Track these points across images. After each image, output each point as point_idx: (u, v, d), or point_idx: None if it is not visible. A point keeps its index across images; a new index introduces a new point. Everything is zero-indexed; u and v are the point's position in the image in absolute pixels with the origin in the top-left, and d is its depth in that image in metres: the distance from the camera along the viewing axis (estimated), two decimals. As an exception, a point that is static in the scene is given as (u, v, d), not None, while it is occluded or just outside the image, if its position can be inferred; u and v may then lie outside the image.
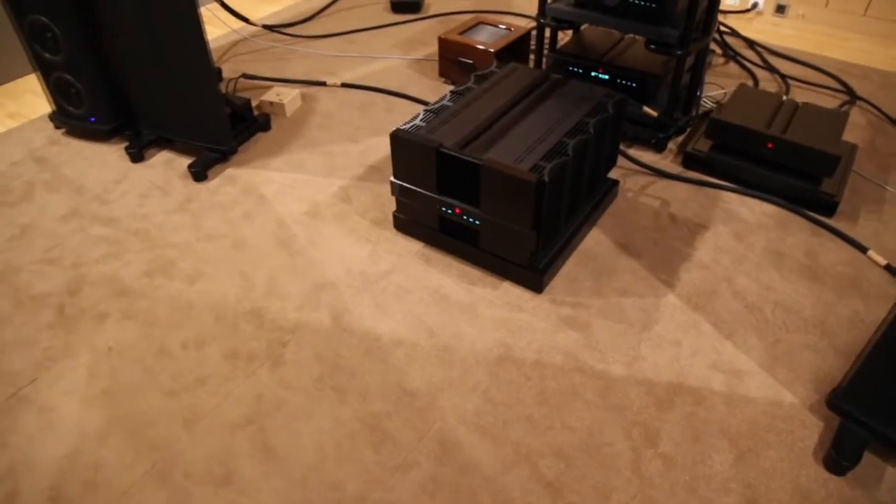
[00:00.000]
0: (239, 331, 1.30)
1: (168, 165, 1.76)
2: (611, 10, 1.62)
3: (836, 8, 2.49)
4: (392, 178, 1.40)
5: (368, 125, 1.91)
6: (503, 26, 2.09)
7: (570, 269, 1.43)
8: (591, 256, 1.46)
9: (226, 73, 2.16)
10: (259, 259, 1.46)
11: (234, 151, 1.77)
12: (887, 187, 1.69)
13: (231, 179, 1.70)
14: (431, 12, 2.59)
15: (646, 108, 1.68)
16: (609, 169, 1.55)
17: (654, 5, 1.56)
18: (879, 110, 1.99)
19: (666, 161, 1.76)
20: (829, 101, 2.03)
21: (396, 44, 2.37)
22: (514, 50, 2.00)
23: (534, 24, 2.47)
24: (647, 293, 1.38)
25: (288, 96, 1.95)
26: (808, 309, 1.35)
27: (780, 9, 2.59)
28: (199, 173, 1.69)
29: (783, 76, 2.14)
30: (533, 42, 2.20)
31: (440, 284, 1.39)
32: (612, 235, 1.52)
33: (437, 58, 2.24)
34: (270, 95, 1.96)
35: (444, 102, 1.43)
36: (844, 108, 1.98)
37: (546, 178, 1.19)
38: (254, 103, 1.98)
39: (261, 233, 1.53)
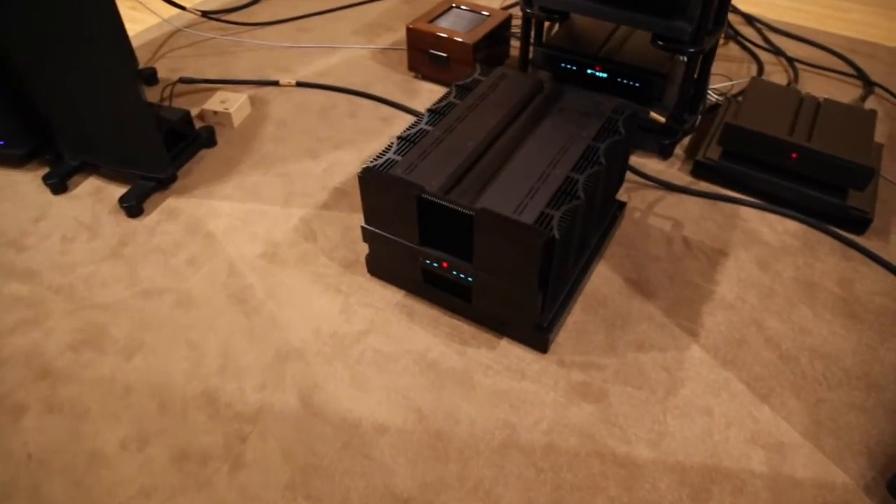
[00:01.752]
0: (189, 422, 1.08)
1: (96, 197, 1.49)
2: (614, 2, 1.39)
3: (837, -26, 2.28)
4: (363, 224, 1.17)
5: (331, 135, 1.66)
6: (478, 10, 1.83)
7: (578, 319, 1.23)
8: (601, 300, 1.26)
9: (161, 73, 1.86)
10: (209, 320, 1.23)
11: (173, 179, 1.51)
12: (916, 192, 1.52)
13: (172, 213, 1.45)
14: (394, -11, 2.31)
15: (653, 114, 1.46)
16: (617, 190, 1.34)
17: (660, -5, 1.33)
18: (896, 97, 1.81)
19: (673, 169, 1.55)
20: (842, 88, 1.83)
21: (357, 29, 2.09)
22: (494, 38, 1.75)
23: (511, 5, 2.21)
24: (668, 345, 1.19)
25: (235, 103, 1.68)
26: (849, 356, 1.18)
27: (777, -24, 2.36)
28: (133, 208, 1.43)
29: (790, 59, 1.94)
30: (513, 28, 1.94)
31: (427, 346, 1.18)
32: (621, 271, 1.32)
33: (404, 46, 1.97)
34: (214, 103, 1.68)
35: (422, 126, 1.19)
36: (867, 103, 1.78)
37: (556, 234, 0.97)
38: (195, 112, 1.71)
39: (210, 284, 1.29)
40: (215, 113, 1.67)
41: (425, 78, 1.84)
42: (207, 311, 1.24)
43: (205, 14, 2.10)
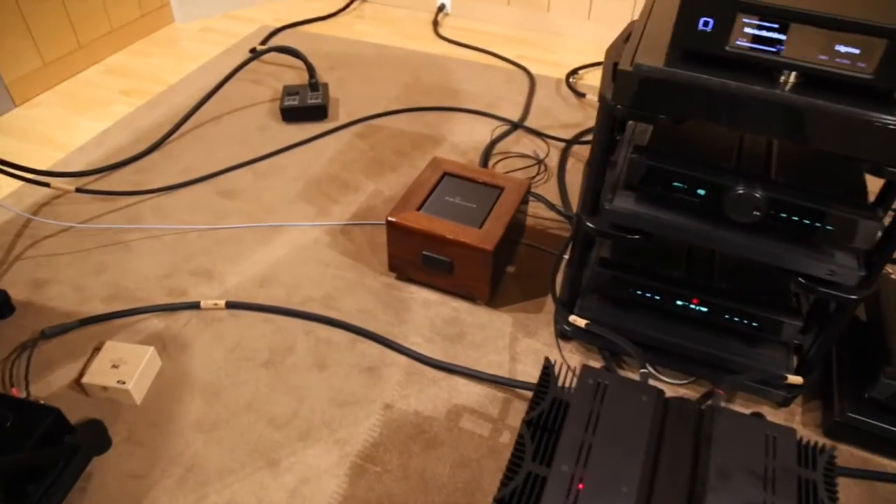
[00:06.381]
0: None
1: None
2: (738, 226, 0.90)
3: None
4: None
5: (292, 410, 1.09)
6: (480, 180, 1.30)
7: None
8: None
9: (18, 292, 1.24)
10: None
11: (39, 554, 0.91)
12: None
13: None
14: (342, 119, 1.75)
15: (791, 378, 0.99)
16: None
17: (818, 224, 0.85)
18: None
19: (796, 422, 1.08)
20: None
21: (303, 189, 1.52)
22: (513, 229, 1.23)
23: (528, 163, 1.70)
24: None
25: (135, 367, 1.09)
26: None
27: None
28: None
29: None
30: (534, 210, 1.42)
31: None
32: None
33: (371, 219, 1.43)
34: (101, 370, 1.09)
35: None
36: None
37: None
38: (69, 380, 1.11)
39: None
40: (104, 389, 1.07)
41: (412, 281, 1.30)
42: None
43: (80, 188, 1.47)
